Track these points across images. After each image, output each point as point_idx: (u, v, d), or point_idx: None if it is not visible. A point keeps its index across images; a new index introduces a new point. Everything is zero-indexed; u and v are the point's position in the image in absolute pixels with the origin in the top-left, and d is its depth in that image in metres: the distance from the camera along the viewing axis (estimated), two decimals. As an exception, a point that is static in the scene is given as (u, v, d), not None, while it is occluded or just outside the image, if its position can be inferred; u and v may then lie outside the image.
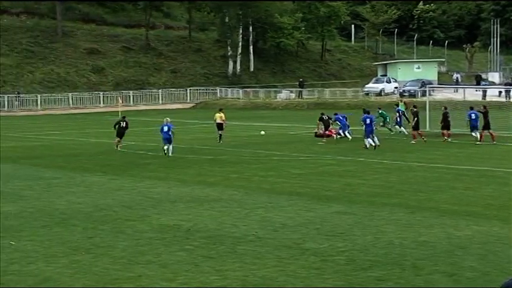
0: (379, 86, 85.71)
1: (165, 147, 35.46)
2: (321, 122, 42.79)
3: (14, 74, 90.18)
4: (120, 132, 38.94)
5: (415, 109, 41.40)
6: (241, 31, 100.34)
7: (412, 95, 76.64)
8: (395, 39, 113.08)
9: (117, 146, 38.52)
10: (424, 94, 72.12)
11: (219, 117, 42.77)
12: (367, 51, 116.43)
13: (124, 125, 39.14)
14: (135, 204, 21.61)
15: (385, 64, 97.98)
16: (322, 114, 43.64)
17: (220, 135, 42.14)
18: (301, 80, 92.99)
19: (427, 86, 63.52)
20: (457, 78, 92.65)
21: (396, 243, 16.21)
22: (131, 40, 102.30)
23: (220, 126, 42.44)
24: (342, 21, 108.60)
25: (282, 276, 13.82)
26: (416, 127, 40.57)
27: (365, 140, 37.10)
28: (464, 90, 62.92)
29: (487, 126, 39.44)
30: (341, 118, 42.70)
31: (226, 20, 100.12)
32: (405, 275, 13.82)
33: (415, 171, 28.40)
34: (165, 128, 35.80)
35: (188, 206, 21.28)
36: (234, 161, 32.97)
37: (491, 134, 39.10)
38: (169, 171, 29.55)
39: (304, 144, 39.54)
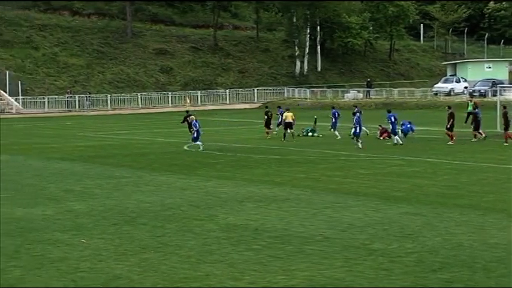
0: (448, 86, 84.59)
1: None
2: (266, 117, 46.16)
3: (84, 74, 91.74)
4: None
5: (476, 109, 41.01)
6: (308, 31, 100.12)
7: (482, 95, 75.43)
8: (465, 38, 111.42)
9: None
10: (494, 94, 70.94)
11: (290, 116, 43.15)
12: (436, 50, 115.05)
13: (186, 123, 41.90)
14: (202, 204, 21.71)
15: (455, 64, 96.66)
16: (266, 107, 48.93)
17: (292, 133, 42.91)
18: (369, 79, 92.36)
19: (498, 85, 62.43)
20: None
21: (466, 245, 15.96)
22: (199, 40, 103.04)
23: (290, 125, 42.76)
24: (411, 21, 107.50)
25: (350, 276, 13.73)
26: (476, 127, 40.58)
27: (393, 137, 39.07)
28: (536, 90, 61.67)
29: (506, 127, 38.85)
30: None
31: (294, 20, 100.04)
32: (475, 277, 13.59)
33: (486, 172, 27.93)
34: (197, 125, 38.23)
35: (256, 205, 21.28)
36: (301, 160, 32.90)
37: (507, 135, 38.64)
38: (237, 170, 29.63)
39: (372, 144, 39.21)
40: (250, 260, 14.95)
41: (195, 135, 38.10)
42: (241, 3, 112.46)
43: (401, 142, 38.55)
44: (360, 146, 37.00)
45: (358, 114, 38.97)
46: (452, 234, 17.04)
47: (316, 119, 46.79)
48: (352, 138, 38.01)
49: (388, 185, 24.91)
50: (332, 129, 44.42)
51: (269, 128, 45.90)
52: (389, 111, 40.45)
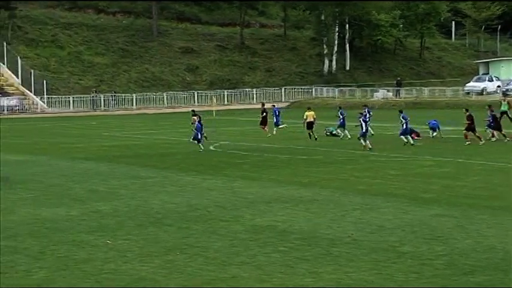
0: (480, 85, 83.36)
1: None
2: (264, 114, 47.18)
3: (110, 73, 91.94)
4: None
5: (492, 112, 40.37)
6: (337, 29, 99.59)
7: (516, 94, 74.61)
8: (498, 36, 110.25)
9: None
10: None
11: (311, 115, 42.91)
12: (468, 48, 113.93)
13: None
14: (228, 205, 21.53)
15: (487, 62, 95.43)
16: (263, 105, 49.52)
17: (312, 132, 42.47)
18: (398, 78, 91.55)
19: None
20: None
21: (498, 248, 15.65)
22: (226, 39, 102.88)
23: (311, 125, 42.50)
24: (442, 18, 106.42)
25: (378, 279, 13.50)
26: (497, 127, 40.21)
27: (402, 137, 38.76)
28: None
29: None
30: (277, 113, 47.38)
31: (322, 18, 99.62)
32: (508, 280, 13.30)
33: (518, 173, 27.51)
34: (200, 127, 37.65)
35: (282, 206, 21.07)
36: (329, 161, 32.64)
37: None
38: (263, 171, 29.41)
39: (401, 144, 38.80)
40: (277, 262, 14.77)
41: (197, 136, 37.24)
42: (269, 2, 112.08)
43: (412, 142, 38.14)
44: (370, 146, 36.48)
45: (366, 113, 38.69)
46: (483, 237, 16.74)
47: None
48: (359, 139, 37.49)
49: (418, 186, 24.59)
50: (340, 129, 44.05)
51: (264, 125, 46.37)
52: (401, 111, 40.09)
